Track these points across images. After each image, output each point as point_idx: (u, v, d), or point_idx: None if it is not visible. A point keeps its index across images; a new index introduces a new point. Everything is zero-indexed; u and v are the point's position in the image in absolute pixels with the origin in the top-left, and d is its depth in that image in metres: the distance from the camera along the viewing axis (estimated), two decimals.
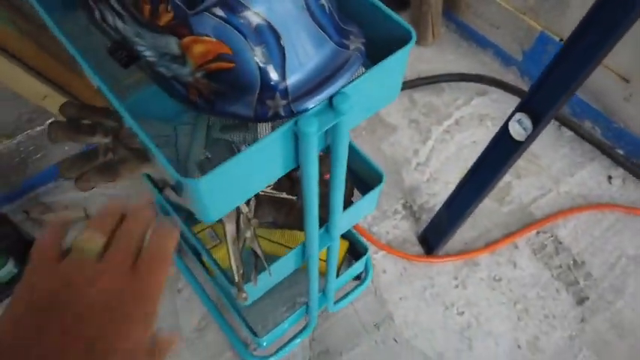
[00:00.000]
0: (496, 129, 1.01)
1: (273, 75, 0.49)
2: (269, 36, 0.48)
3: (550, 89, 0.89)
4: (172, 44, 0.49)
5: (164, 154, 0.48)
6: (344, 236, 1.19)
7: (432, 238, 1.29)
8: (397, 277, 1.30)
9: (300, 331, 1.15)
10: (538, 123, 0.93)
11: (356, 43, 0.54)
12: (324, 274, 1.01)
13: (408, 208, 1.40)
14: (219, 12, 0.46)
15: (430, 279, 1.30)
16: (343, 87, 0.51)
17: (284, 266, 0.77)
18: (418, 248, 1.34)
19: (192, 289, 1.27)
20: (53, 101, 1.09)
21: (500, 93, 1.59)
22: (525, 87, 1.59)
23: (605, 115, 1.43)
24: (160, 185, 0.86)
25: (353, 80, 0.51)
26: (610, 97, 1.39)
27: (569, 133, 1.52)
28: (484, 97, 1.60)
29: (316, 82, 0.50)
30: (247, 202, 0.80)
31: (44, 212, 1.40)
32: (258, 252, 0.75)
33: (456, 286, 1.29)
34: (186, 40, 0.48)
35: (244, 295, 0.72)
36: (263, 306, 1.14)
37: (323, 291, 1.06)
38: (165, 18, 0.47)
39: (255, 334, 1.02)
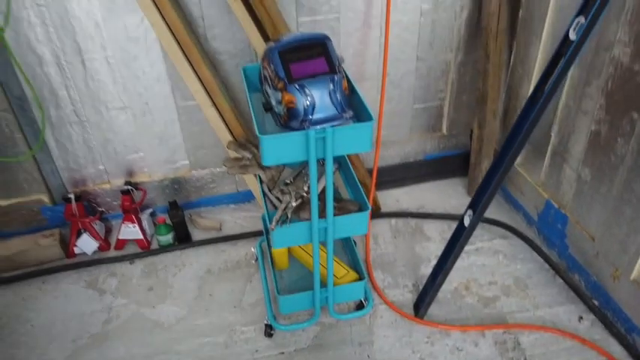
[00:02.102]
0: (506, 261, 1.73)
1: (308, 114, 1.30)
2: (311, 99, 1.30)
3: (480, 196, 1.52)
4: (279, 96, 1.34)
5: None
6: (354, 269, 1.81)
7: (420, 303, 1.81)
8: (388, 323, 1.82)
9: (308, 319, 1.74)
10: (474, 213, 1.54)
11: (347, 115, 1.33)
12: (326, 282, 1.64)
13: (416, 287, 1.95)
14: (297, 86, 1.30)
15: (410, 332, 1.79)
16: (332, 127, 1.29)
17: (295, 229, 1.47)
18: (411, 312, 1.85)
19: (260, 282, 1.97)
20: (232, 144, 2.01)
21: (517, 241, 2.11)
22: (539, 242, 2.09)
23: (585, 268, 1.86)
24: (263, 181, 1.66)
25: (337, 126, 1.29)
26: (586, 253, 1.84)
27: (560, 281, 1.94)
28: (504, 240, 2.13)
29: (323, 121, 1.30)
30: (296, 199, 1.56)
31: (198, 218, 2.30)
32: (289, 216, 1.49)
33: (426, 342, 1.75)
34: (285, 94, 1.32)
35: (273, 228, 1.44)
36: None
37: (326, 288, 1.67)
38: (280, 84, 1.33)
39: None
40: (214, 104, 1.93)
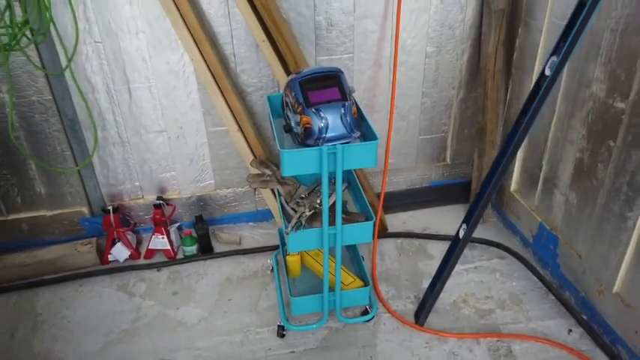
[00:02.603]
0: (502, 279, 1.96)
1: (322, 133, 1.54)
2: (325, 121, 1.54)
3: (471, 214, 1.72)
4: (298, 118, 1.58)
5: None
6: (361, 278, 1.99)
7: (420, 311, 1.98)
8: (390, 330, 1.99)
9: (316, 321, 1.92)
10: (468, 227, 1.73)
11: (356, 135, 1.56)
12: (334, 287, 1.83)
13: (417, 298, 2.12)
14: (313, 110, 1.54)
15: (410, 337, 1.95)
16: (342, 144, 1.52)
17: (308, 234, 1.68)
18: (412, 320, 2.02)
19: (274, 290, 2.16)
20: (254, 161, 2.25)
21: (514, 260, 2.28)
22: (534, 263, 2.25)
23: (574, 284, 2.01)
24: (281, 194, 1.89)
25: (346, 144, 1.52)
26: (575, 271, 2.00)
27: (552, 297, 2.09)
28: (502, 260, 2.30)
29: (334, 139, 1.53)
30: (309, 210, 1.78)
31: (220, 233, 2.52)
32: (303, 223, 1.70)
33: (425, 347, 1.91)
34: (303, 116, 1.56)
35: (288, 232, 1.65)
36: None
37: (334, 293, 1.86)
38: (299, 108, 1.57)
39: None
40: (240, 129, 2.18)
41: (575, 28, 1.35)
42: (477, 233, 2.43)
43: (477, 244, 2.41)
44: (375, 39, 2.26)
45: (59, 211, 2.40)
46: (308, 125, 1.56)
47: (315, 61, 2.25)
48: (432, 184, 2.71)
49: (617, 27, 1.62)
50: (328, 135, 1.55)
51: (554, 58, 1.44)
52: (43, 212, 2.39)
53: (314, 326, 1.94)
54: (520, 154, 2.33)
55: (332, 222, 1.70)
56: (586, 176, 1.88)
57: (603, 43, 1.70)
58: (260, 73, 2.24)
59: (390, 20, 2.22)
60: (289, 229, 1.66)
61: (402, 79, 2.37)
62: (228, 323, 2.04)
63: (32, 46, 1.98)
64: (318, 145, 1.55)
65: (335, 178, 1.78)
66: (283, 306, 1.99)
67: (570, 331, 1.95)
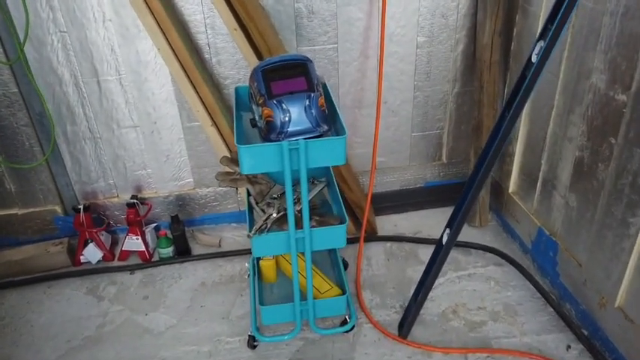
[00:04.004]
0: (497, 288, 1.80)
1: (285, 127, 1.39)
2: (287, 114, 1.39)
3: (454, 218, 1.56)
4: (260, 111, 1.44)
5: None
6: (338, 285, 1.84)
7: (404, 322, 1.82)
8: (371, 342, 1.83)
9: (290, 332, 1.78)
10: (451, 231, 1.57)
11: (322, 129, 1.41)
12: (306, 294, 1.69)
13: (403, 308, 1.96)
14: (275, 102, 1.40)
15: (392, 351, 1.79)
16: (305, 140, 1.37)
17: (273, 238, 1.53)
18: (395, 332, 1.86)
19: (249, 296, 2.02)
20: (224, 158, 2.12)
21: (511, 268, 2.10)
22: (533, 271, 2.07)
23: (574, 296, 1.83)
24: (251, 194, 1.74)
25: (310, 139, 1.37)
26: (576, 281, 1.81)
27: (551, 309, 1.91)
28: (498, 267, 2.12)
29: (298, 134, 1.38)
30: (277, 212, 1.63)
31: (200, 234, 2.39)
32: (269, 226, 1.55)
33: None
34: (264, 109, 1.42)
35: (251, 235, 1.51)
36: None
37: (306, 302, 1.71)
38: (261, 100, 1.43)
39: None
40: (215, 123, 2.05)
41: (563, 9, 1.18)
42: (475, 238, 2.28)
43: (472, 250, 2.23)
44: (361, 28, 2.10)
45: (31, 210, 2.30)
46: (270, 118, 1.41)
47: (296, 52, 2.11)
48: (427, 185, 2.54)
49: (616, 10, 1.44)
50: (291, 129, 1.40)
51: (542, 43, 1.27)
52: (14, 211, 2.29)
53: (285, 337, 1.79)
54: (518, 153, 2.14)
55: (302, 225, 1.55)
56: (586, 177, 1.70)
57: (602, 28, 1.52)
58: (237, 64, 2.10)
59: (377, 7, 2.06)
60: (252, 232, 1.52)
61: (392, 72, 2.21)
62: (197, 332, 1.90)
63: None
64: (280, 140, 1.40)
65: (314, 177, 1.64)
66: (255, 314, 1.85)
67: (569, 347, 1.77)
